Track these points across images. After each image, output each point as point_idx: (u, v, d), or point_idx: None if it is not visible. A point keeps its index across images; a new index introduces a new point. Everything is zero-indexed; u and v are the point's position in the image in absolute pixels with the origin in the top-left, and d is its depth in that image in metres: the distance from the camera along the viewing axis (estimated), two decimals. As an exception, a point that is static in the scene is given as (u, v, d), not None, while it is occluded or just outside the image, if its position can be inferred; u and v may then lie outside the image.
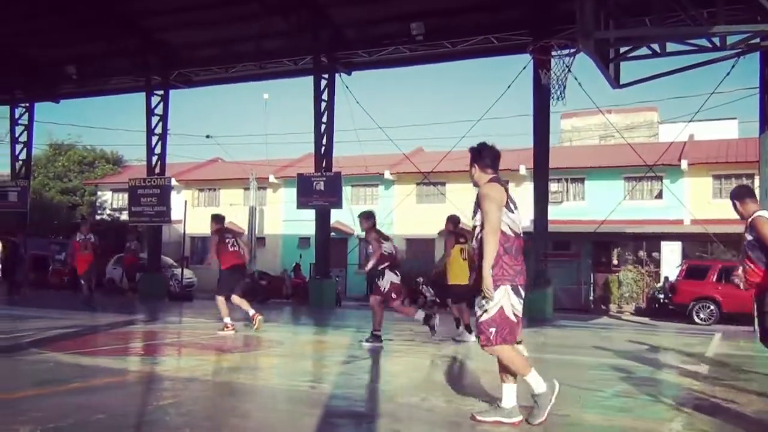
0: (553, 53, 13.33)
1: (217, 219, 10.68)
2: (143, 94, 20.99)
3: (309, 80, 19.00)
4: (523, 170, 27.45)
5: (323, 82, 18.67)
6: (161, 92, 20.86)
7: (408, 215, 27.50)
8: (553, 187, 24.74)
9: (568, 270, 22.30)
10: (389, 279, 9.00)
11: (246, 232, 31.10)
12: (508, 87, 16.56)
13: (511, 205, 4.68)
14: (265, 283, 21.64)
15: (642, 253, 24.18)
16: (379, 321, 9.03)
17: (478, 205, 4.73)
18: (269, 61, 20.00)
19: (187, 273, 24.76)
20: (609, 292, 22.98)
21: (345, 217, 23.46)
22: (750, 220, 5.57)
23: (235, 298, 10.26)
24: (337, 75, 18.88)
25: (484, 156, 4.95)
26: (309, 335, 10.41)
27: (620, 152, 25.22)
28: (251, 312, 10.30)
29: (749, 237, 5.55)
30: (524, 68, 16.16)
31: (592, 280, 23.33)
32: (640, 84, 12.97)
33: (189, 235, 27.99)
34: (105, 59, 21.35)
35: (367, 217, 9.38)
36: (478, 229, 4.68)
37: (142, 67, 20.71)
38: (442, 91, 79.42)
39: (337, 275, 23.04)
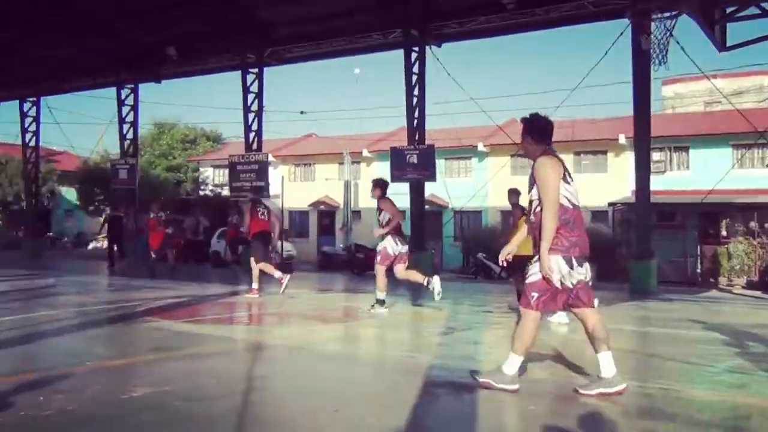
0: (654, 16, 12.73)
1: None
2: (239, 72, 21.57)
3: (400, 53, 18.94)
4: (622, 139, 26.53)
5: (414, 55, 18.54)
6: (255, 70, 21.31)
7: (503, 187, 27.00)
8: (655, 156, 23.76)
9: (673, 242, 21.40)
10: (386, 245, 9.22)
11: (342, 206, 31.63)
12: (605, 53, 16.00)
13: (568, 177, 4.60)
14: (361, 255, 21.91)
15: (753, 224, 22.90)
16: (385, 284, 9.31)
17: (533, 178, 4.64)
18: (360, 35, 20.03)
19: (287, 245, 25.42)
20: (718, 264, 21.92)
21: (439, 190, 23.39)
22: None
23: (266, 266, 11.24)
24: (427, 47, 18.71)
25: (538, 127, 4.80)
26: (407, 306, 10.47)
27: (727, 119, 23.91)
28: (277, 275, 11.14)
29: None
30: (621, 33, 15.50)
31: (699, 253, 22.33)
32: (748, 46, 12.20)
33: (287, 209, 28.68)
34: (203, 39, 21.95)
35: (378, 185, 9.58)
36: (535, 203, 4.62)
37: (239, 46, 21.19)
38: (535, 59, 77.52)
39: (433, 247, 23.08)
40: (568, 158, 26.58)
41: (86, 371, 5.18)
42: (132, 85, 24.47)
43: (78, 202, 41.01)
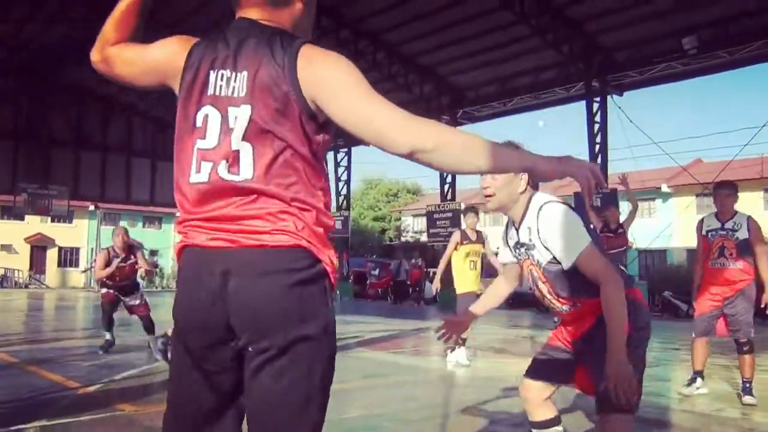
0: None
1: None
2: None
3: (581, 104, 18.44)
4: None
5: (595, 106, 17.97)
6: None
7: (689, 226, 25.07)
8: None
9: None
10: None
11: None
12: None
13: None
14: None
15: None
16: None
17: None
18: (543, 91, 19.83)
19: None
20: None
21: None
22: None
23: None
24: (608, 97, 18.03)
25: None
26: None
27: None
28: None
29: None
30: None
31: None
32: None
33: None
34: (407, 105, 22.94)
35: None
36: None
37: (435, 109, 21.77)
38: (719, 99, 71.42)
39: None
40: (756, 196, 24.03)
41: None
42: (346, 149, 26.00)
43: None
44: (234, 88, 1.49)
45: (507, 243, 2.69)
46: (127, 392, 5.20)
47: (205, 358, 1.53)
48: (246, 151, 1.47)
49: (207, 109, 1.52)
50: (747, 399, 5.12)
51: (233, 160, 1.48)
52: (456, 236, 7.61)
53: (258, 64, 1.48)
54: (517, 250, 2.60)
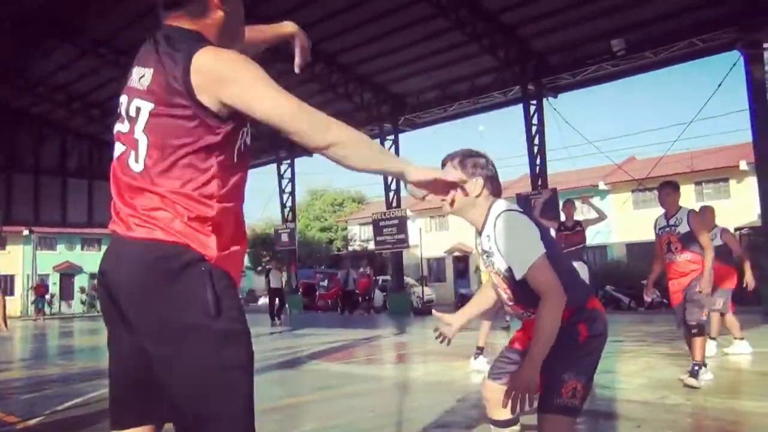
0: (766, 46, 11.96)
1: None
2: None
3: (520, 106, 18.87)
4: (743, 165, 24.67)
5: (532, 108, 18.41)
6: (392, 137, 21.97)
7: (626, 221, 25.93)
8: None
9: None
10: None
11: (474, 251, 31.40)
12: (719, 86, 15.11)
13: None
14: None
15: None
16: None
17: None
18: (481, 96, 20.17)
19: (427, 290, 25.54)
20: None
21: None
22: None
23: None
24: (544, 99, 18.51)
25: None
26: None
27: None
28: None
29: None
30: (734, 65, 14.61)
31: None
32: None
33: (425, 258, 28.85)
34: (348, 115, 22.97)
35: None
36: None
37: (377, 118, 21.93)
38: (649, 98, 74.23)
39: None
40: (688, 189, 25.03)
41: (263, 411, 5.43)
42: (288, 161, 25.86)
43: (249, 264, 43.45)
44: (141, 83, 1.62)
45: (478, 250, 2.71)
46: (72, 423, 5.01)
47: (120, 339, 1.65)
48: (143, 142, 1.59)
49: (123, 98, 1.68)
50: (690, 380, 5.30)
51: (134, 150, 1.61)
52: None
53: (160, 63, 1.59)
54: (482, 258, 2.59)
